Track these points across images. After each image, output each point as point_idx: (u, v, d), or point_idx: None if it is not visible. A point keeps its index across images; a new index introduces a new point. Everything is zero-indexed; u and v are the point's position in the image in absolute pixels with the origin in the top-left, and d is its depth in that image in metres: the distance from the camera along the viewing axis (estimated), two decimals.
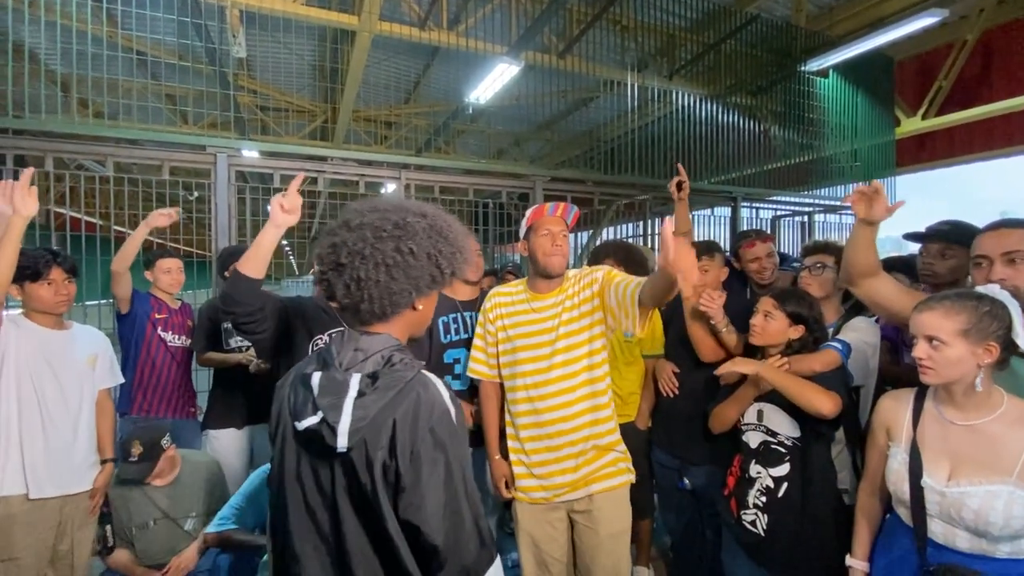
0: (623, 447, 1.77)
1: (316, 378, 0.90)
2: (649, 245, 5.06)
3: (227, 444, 2.59)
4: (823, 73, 5.58)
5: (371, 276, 0.90)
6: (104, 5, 3.08)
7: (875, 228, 1.50)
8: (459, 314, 2.17)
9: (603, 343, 1.74)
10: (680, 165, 2.73)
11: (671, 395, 2.16)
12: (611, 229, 5.95)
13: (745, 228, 5.22)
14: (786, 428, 1.63)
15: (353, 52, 4.98)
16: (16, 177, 2.93)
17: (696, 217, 4.74)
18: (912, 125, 6.20)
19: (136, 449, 2.02)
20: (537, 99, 6.03)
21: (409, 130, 8.14)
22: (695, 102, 5.04)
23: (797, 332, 1.69)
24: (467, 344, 2.11)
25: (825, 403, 1.49)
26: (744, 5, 5.38)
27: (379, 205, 0.96)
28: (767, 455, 1.66)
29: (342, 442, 0.84)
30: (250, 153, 3.49)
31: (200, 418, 2.75)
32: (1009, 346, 1.18)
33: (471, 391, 2.06)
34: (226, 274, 2.73)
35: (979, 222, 1.67)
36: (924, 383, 1.24)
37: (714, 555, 2.02)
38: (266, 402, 2.94)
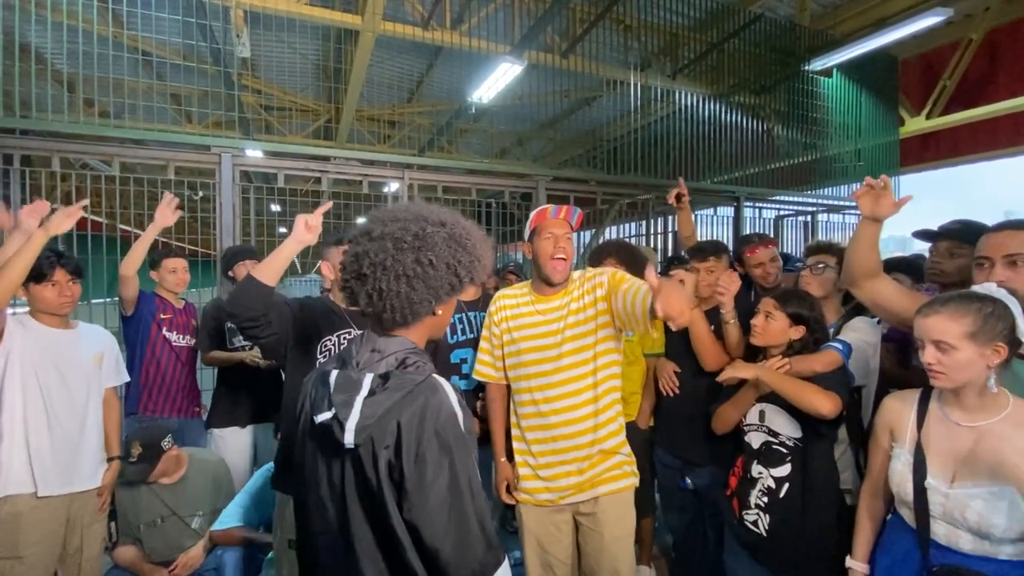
0: (628, 450, 1.76)
1: (334, 376, 0.94)
2: (651, 245, 5.06)
3: (231, 443, 2.61)
4: (827, 72, 5.56)
5: (392, 288, 0.92)
6: (110, 6, 3.09)
7: (879, 226, 1.49)
8: (464, 314, 2.19)
9: (611, 346, 1.72)
10: (681, 179, 2.74)
11: (671, 395, 2.16)
12: (613, 228, 5.96)
13: (748, 228, 5.22)
14: (787, 429, 1.64)
15: (356, 52, 4.99)
16: (23, 177, 2.96)
17: (699, 217, 4.73)
18: (916, 124, 6.18)
19: (136, 450, 2.04)
20: (540, 98, 6.03)
21: (412, 129, 8.16)
22: (698, 101, 5.03)
23: (798, 333, 1.69)
24: (473, 344, 2.12)
25: (825, 404, 1.49)
26: (748, 4, 5.36)
27: (399, 214, 0.98)
28: (769, 455, 1.66)
29: (349, 438, 0.87)
30: (254, 153, 3.50)
31: (204, 417, 2.77)
32: (1014, 344, 1.18)
33: (477, 390, 2.06)
34: (230, 274, 2.75)
35: (985, 222, 1.66)
36: (936, 387, 1.24)
37: (716, 555, 2.03)
38: (270, 401, 2.95)
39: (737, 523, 1.70)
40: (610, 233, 5.98)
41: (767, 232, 5.39)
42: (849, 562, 1.43)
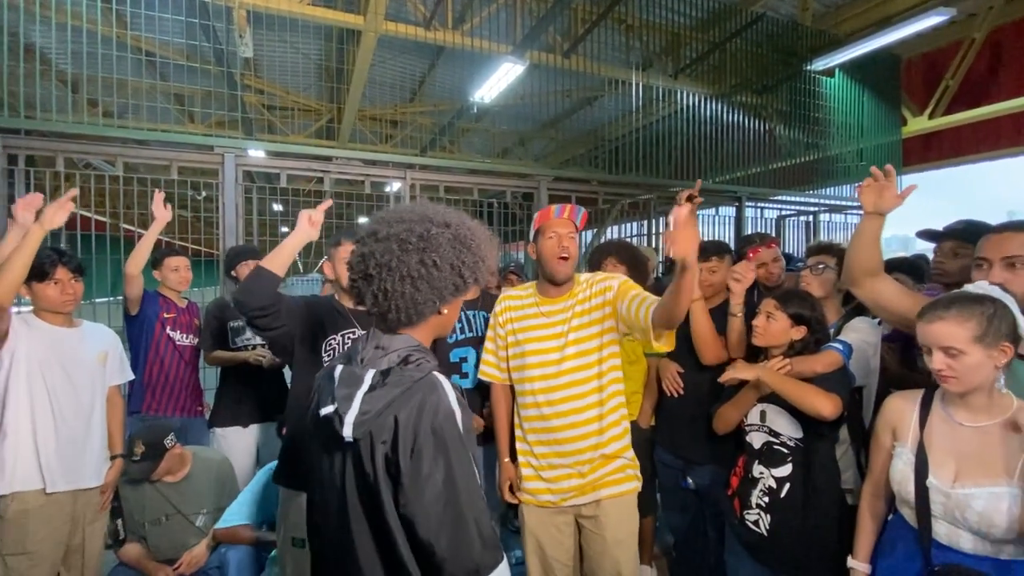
0: (631, 454, 1.75)
1: (339, 371, 0.97)
2: (653, 245, 5.06)
3: (233, 442, 2.62)
4: (829, 72, 5.55)
5: (397, 288, 0.94)
6: (113, 6, 3.11)
7: (882, 221, 1.49)
8: (463, 313, 2.19)
9: (617, 350, 1.72)
10: (700, 180, 2.74)
11: (675, 395, 2.17)
12: (615, 228, 5.97)
13: (750, 228, 5.22)
14: (788, 429, 1.64)
15: (359, 51, 5.00)
16: (28, 176, 2.97)
17: (700, 217, 4.73)
18: (919, 124, 6.17)
19: (139, 448, 2.05)
20: (541, 98, 6.03)
21: (414, 129, 8.17)
22: (700, 101, 5.03)
23: (799, 333, 1.69)
24: (472, 342, 2.12)
25: (825, 405, 1.49)
26: (750, 4, 5.35)
27: (405, 215, 0.99)
28: (770, 455, 1.66)
29: (347, 432, 0.89)
30: (257, 153, 3.52)
31: (207, 416, 2.78)
32: (1016, 342, 1.18)
33: (478, 390, 2.07)
34: (233, 273, 2.75)
35: (988, 223, 1.66)
36: (948, 391, 1.24)
37: (717, 554, 2.03)
38: (273, 401, 2.95)
39: (738, 523, 1.71)
40: (612, 233, 5.98)
41: (769, 232, 5.39)
42: (851, 562, 1.43)
